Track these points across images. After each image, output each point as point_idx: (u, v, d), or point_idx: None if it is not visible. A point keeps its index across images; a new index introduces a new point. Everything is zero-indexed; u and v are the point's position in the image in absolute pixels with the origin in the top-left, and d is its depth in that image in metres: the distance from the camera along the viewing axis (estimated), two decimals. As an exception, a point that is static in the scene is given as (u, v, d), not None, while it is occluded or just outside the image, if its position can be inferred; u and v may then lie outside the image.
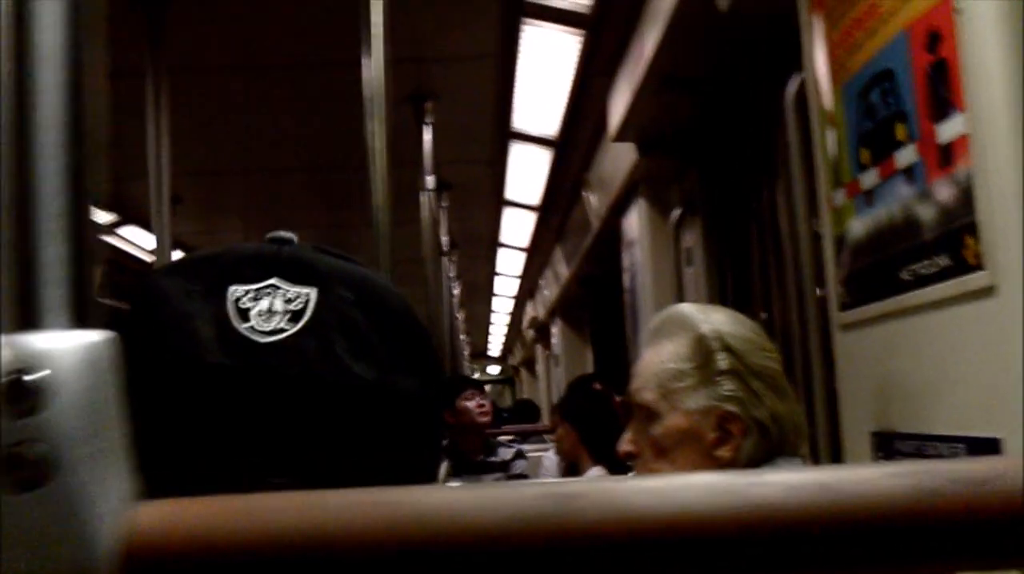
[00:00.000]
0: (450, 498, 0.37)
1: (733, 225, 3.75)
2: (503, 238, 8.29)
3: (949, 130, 1.41)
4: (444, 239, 5.73)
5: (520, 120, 4.90)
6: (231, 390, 0.60)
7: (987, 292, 1.35)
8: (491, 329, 16.55)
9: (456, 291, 8.06)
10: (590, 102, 4.35)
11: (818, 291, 2.17)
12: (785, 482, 0.35)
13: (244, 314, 0.63)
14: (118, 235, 6.32)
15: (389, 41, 2.15)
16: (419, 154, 4.35)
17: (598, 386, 4.09)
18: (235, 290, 0.64)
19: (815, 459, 2.10)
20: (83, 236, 0.38)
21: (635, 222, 4.52)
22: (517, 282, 10.90)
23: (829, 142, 1.86)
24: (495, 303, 13.11)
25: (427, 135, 4.42)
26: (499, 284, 11.25)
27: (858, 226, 1.75)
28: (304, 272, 0.66)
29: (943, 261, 1.46)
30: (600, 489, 0.38)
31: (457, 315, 8.81)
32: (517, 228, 7.78)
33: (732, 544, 0.35)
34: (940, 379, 1.51)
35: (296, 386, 0.61)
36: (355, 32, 2.18)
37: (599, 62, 3.90)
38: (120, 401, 0.39)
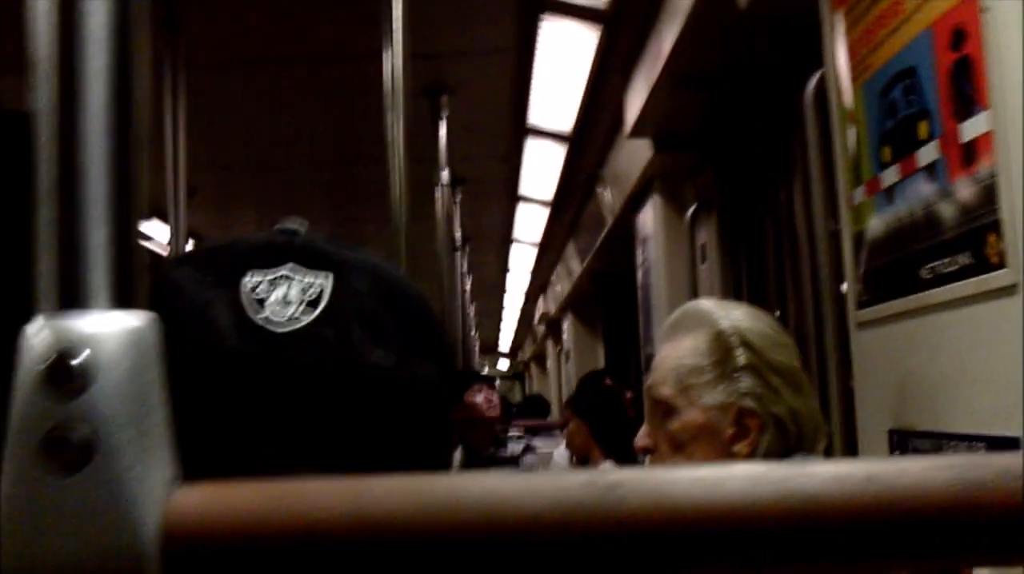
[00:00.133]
0: (492, 485, 0.37)
1: (748, 222, 3.74)
2: (516, 234, 8.29)
3: (972, 128, 1.40)
4: (457, 234, 5.72)
5: (536, 115, 4.89)
6: (250, 378, 0.60)
7: (1008, 290, 1.34)
8: (502, 325, 16.55)
9: (468, 286, 8.06)
10: (606, 98, 4.35)
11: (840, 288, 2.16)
12: (832, 473, 0.35)
13: (260, 303, 0.62)
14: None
15: (407, 35, 2.15)
16: (434, 149, 4.34)
17: (609, 382, 4.09)
18: (249, 279, 0.64)
19: (829, 456, 2.09)
20: (128, 218, 0.38)
21: (649, 218, 4.51)
22: (528, 278, 10.89)
23: (849, 139, 1.85)
24: (506, 299, 13.11)
25: (442, 130, 4.41)
26: (511, 279, 11.25)
27: (877, 224, 1.74)
28: (318, 261, 0.66)
29: (964, 259, 1.45)
30: (641, 478, 0.37)
31: (469, 310, 8.81)
32: (530, 224, 7.77)
33: (775, 534, 0.35)
34: (959, 377, 1.50)
35: (315, 374, 0.61)
36: (373, 26, 2.18)
37: (616, 58, 3.89)
38: (162, 383, 0.39)
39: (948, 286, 1.50)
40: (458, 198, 5.69)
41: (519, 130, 5.12)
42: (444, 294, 4.53)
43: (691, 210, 3.94)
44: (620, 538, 0.36)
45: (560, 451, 4.79)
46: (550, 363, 13.19)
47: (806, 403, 1.49)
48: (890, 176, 1.67)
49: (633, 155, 4.40)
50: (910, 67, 1.59)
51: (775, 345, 1.50)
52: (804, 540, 0.35)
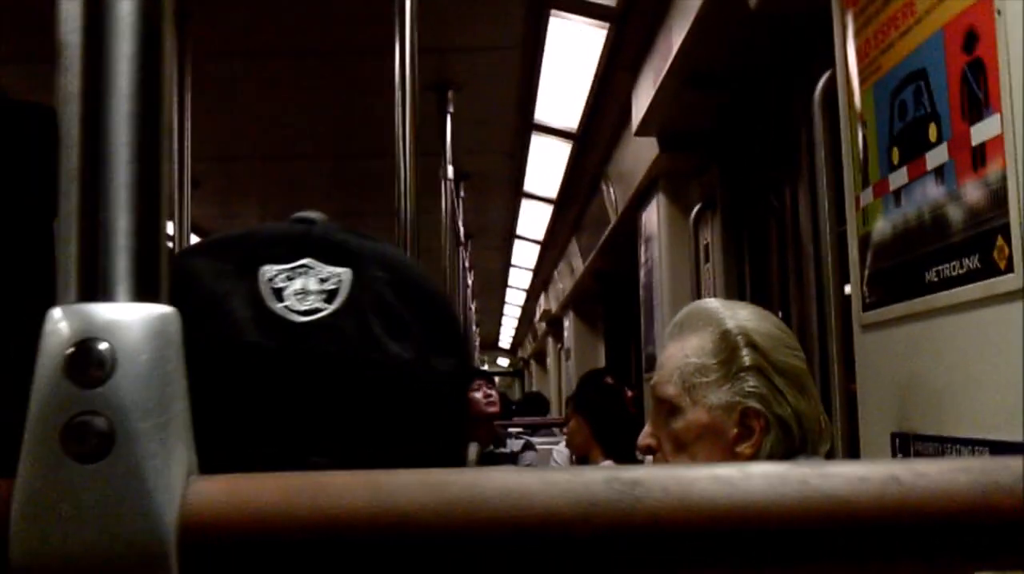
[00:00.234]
0: (511, 481, 0.37)
1: (752, 222, 3.74)
2: (519, 230, 8.29)
3: (983, 131, 1.40)
4: (461, 230, 5.72)
5: (542, 112, 4.89)
6: (268, 370, 0.60)
7: (1016, 295, 1.34)
8: (502, 321, 16.55)
9: (470, 282, 8.06)
10: (613, 96, 4.34)
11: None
12: (854, 474, 0.35)
13: (278, 294, 0.62)
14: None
15: (416, 30, 2.15)
16: (440, 143, 4.34)
17: (610, 380, 4.09)
18: (267, 270, 0.63)
19: (831, 459, 2.09)
20: (152, 209, 0.38)
21: (653, 217, 4.51)
22: (530, 274, 10.89)
23: (858, 141, 1.85)
24: (508, 295, 13.11)
25: (448, 125, 4.41)
26: (512, 276, 11.24)
27: (884, 226, 1.74)
28: (336, 251, 0.65)
29: (971, 263, 1.45)
30: (661, 476, 0.37)
31: (471, 306, 8.81)
32: (533, 220, 7.77)
33: (797, 534, 0.35)
34: (964, 381, 1.50)
35: (334, 366, 0.60)
36: (380, 20, 2.17)
37: (624, 56, 3.89)
38: (183, 375, 0.39)
39: (954, 290, 1.50)
40: (462, 193, 5.69)
41: (525, 126, 5.11)
42: (447, 289, 4.53)
43: (695, 210, 3.94)
44: (639, 536, 0.36)
45: (559, 449, 4.79)
46: (550, 361, 13.19)
47: (811, 405, 1.49)
48: (898, 178, 1.67)
49: (638, 153, 4.40)
50: (921, 69, 1.58)
51: (781, 346, 1.50)
52: (825, 540, 0.35)
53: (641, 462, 1.66)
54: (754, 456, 1.46)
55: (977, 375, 1.46)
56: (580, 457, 3.95)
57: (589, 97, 4.51)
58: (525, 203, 7.12)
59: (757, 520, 0.36)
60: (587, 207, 6.47)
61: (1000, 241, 1.37)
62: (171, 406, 0.38)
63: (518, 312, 14.95)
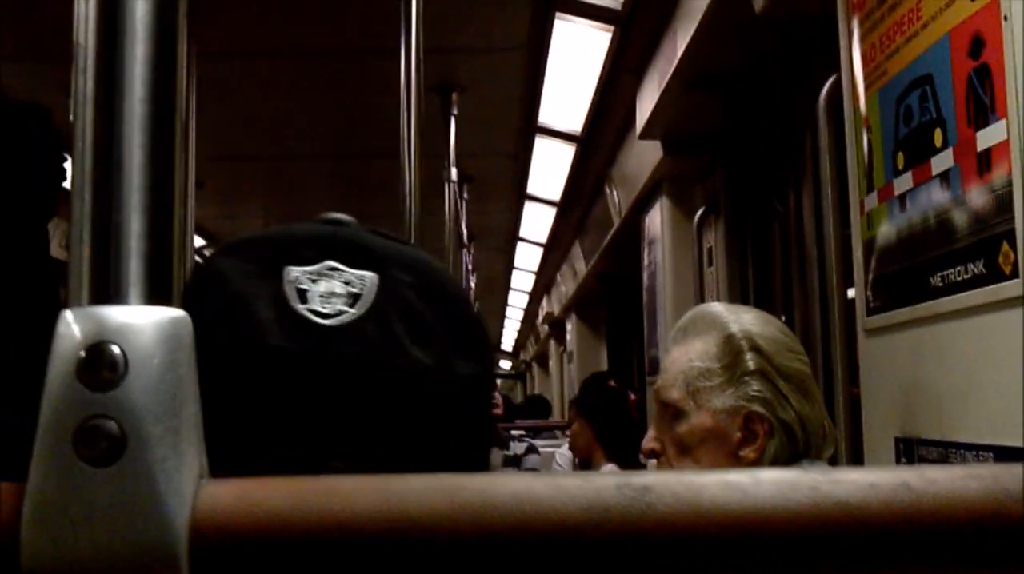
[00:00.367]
0: (523, 487, 0.37)
1: (756, 226, 3.73)
2: (522, 232, 8.28)
3: (989, 136, 1.40)
4: (464, 231, 5.72)
5: (546, 114, 4.88)
6: (291, 373, 0.60)
7: (1021, 301, 1.34)
8: (505, 323, 16.54)
9: (472, 284, 8.05)
10: (617, 99, 4.34)
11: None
12: (865, 480, 0.35)
13: (303, 296, 0.62)
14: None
15: (421, 31, 2.15)
16: (444, 145, 4.34)
17: (613, 383, 4.09)
18: (292, 271, 0.63)
19: (834, 464, 2.09)
20: (166, 210, 0.38)
21: (657, 220, 4.51)
22: (533, 277, 10.88)
23: (863, 145, 1.85)
24: (510, 298, 13.10)
25: (452, 126, 4.41)
26: (515, 279, 11.23)
27: (889, 230, 1.74)
28: (361, 254, 0.65)
29: (976, 268, 1.45)
30: (672, 482, 0.37)
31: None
32: (536, 223, 7.76)
33: (808, 541, 0.35)
34: (968, 386, 1.50)
35: (357, 370, 0.60)
36: (385, 21, 2.17)
37: (629, 59, 3.88)
38: (194, 378, 0.39)
39: (959, 295, 1.50)
40: (465, 195, 5.68)
41: (529, 129, 5.11)
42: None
43: (699, 213, 3.93)
44: (649, 542, 0.36)
45: (562, 452, 4.79)
46: (552, 364, 13.18)
47: (814, 409, 1.49)
48: (903, 183, 1.67)
49: (642, 156, 4.39)
50: (927, 74, 1.58)
51: (785, 350, 1.50)
52: (835, 547, 0.35)
53: (643, 466, 1.65)
54: (758, 460, 1.46)
55: (981, 380, 1.46)
56: (583, 460, 3.95)
57: (593, 100, 4.50)
58: (528, 205, 7.11)
59: (768, 526, 0.36)
60: (590, 210, 6.46)
61: (1005, 246, 1.36)
62: (182, 410, 0.38)
63: (520, 315, 14.94)
